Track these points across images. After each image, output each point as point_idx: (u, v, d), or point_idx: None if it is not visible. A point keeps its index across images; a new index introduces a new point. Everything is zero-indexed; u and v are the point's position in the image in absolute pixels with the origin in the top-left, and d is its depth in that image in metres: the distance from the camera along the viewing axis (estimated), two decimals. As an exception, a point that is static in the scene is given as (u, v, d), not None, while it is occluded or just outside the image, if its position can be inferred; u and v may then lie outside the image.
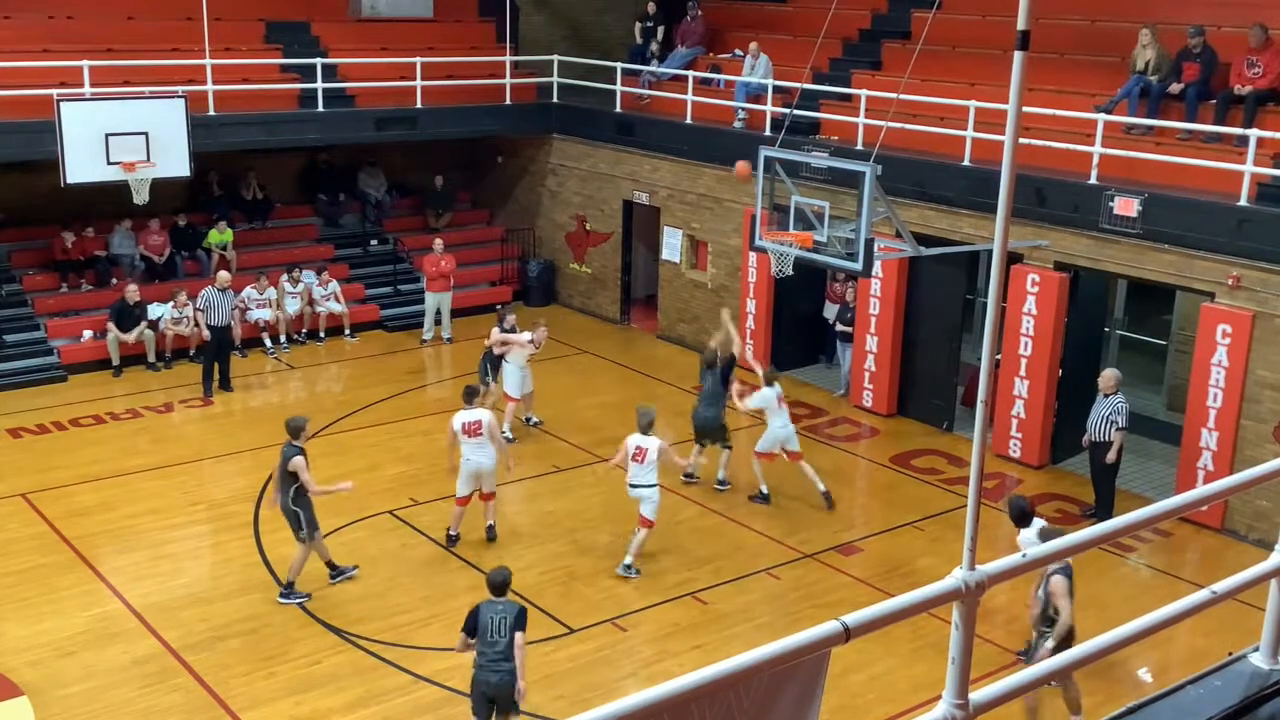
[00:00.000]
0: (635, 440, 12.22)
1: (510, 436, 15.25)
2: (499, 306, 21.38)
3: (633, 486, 12.25)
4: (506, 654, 8.84)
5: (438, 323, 20.07)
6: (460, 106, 20.69)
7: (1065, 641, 9.13)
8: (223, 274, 17.62)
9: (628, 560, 12.22)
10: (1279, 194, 13.20)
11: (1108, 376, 13.46)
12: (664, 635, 11.14)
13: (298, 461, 11.26)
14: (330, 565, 11.88)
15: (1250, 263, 12.93)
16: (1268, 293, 12.84)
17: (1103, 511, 13.42)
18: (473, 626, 8.93)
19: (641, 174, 20.14)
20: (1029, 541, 10.05)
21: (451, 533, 12.78)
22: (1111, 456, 13.25)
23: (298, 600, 11.47)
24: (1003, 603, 11.50)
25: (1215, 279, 13.23)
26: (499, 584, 9.07)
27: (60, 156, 15.94)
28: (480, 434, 12.34)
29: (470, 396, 12.70)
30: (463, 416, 12.43)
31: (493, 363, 15.49)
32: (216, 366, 17.21)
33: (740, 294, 18.61)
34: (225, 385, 17.26)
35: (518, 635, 8.85)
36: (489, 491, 12.74)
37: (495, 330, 15.51)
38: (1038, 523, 10.37)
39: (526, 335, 15.49)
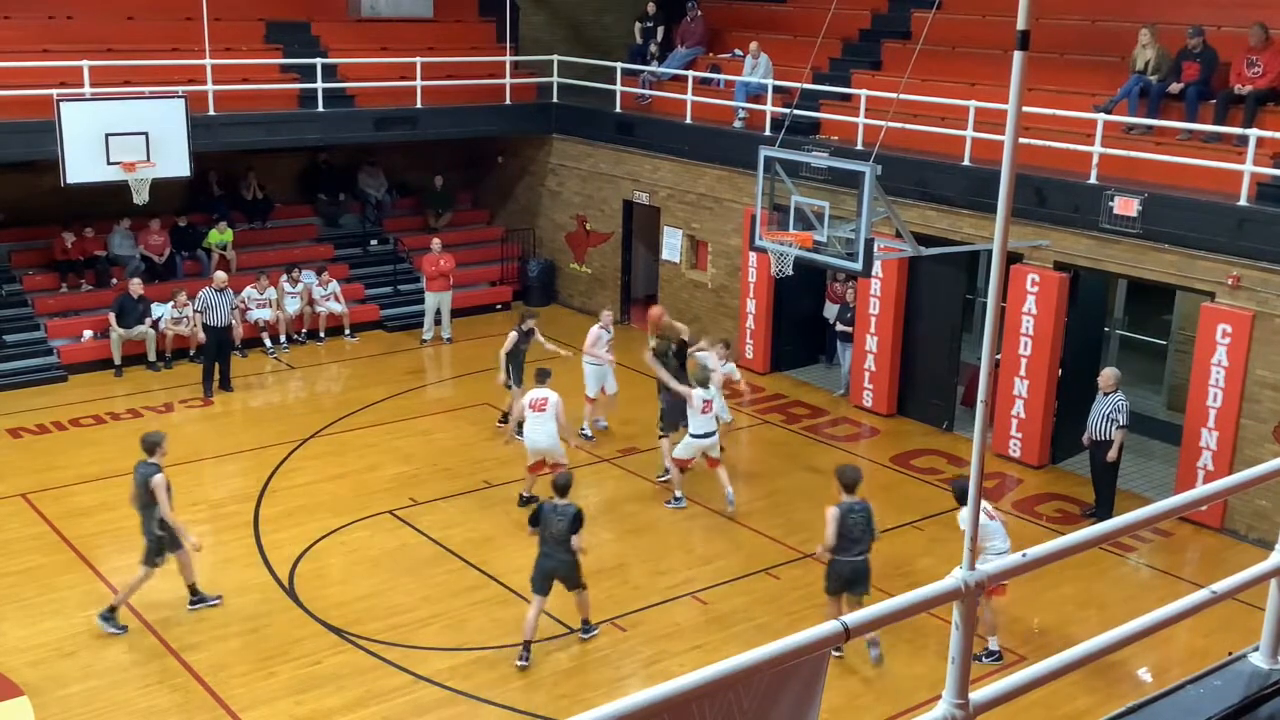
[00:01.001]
0: (700, 394, 13.18)
1: (589, 434, 15.60)
2: (497, 307, 21.42)
3: (702, 436, 13.23)
4: (565, 545, 10.42)
5: (437, 323, 20.06)
6: (460, 106, 20.69)
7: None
8: (219, 274, 17.55)
9: (728, 490, 13.40)
10: (1278, 194, 13.20)
11: (1107, 375, 13.47)
12: (664, 635, 11.14)
13: (157, 481, 10.59)
14: (193, 589, 11.26)
15: (1250, 262, 12.93)
16: (1268, 292, 12.84)
17: (1103, 511, 13.42)
18: (535, 520, 10.68)
19: (642, 174, 20.14)
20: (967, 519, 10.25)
21: (524, 494, 13.40)
22: (1113, 455, 13.26)
23: (115, 629, 10.83)
24: (1003, 603, 11.50)
25: (1215, 279, 13.23)
26: (563, 486, 10.67)
27: (60, 156, 15.94)
28: (544, 410, 12.86)
29: (543, 377, 13.17)
30: (531, 393, 13.08)
31: (516, 364, 15.19)
32: (217, 366, 17.20)
33: (740, 294, 18.62)
34: (225, 385, 17.24)
35: (574, 539, 10.41)
36: (553, 463, 13.08)
37: (513, 334, 15.13)
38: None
39: (596, 330, 15.43)
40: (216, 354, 17.20)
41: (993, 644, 10.77)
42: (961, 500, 10.64)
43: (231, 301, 17.55)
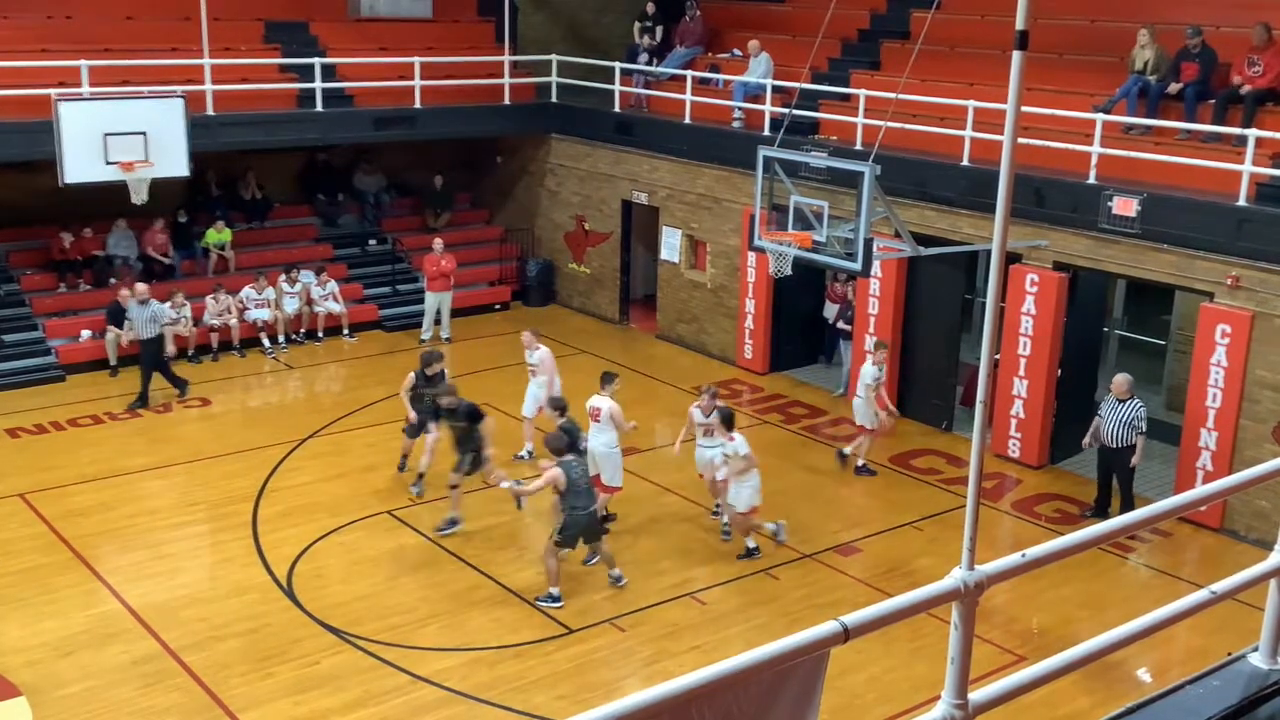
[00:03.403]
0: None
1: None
2: (496, 307, 21.38)
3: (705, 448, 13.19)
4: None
5: (437, 322, 20.05)
6: (459, 106, 20.69)
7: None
8: (139, 285, 16.91)
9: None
10: (1278, 194, 13.19)
11: (1121, 382, 13.24)
12: (663, 635, 11.13)
13: None
14: None
15: (1249, 263, 12.92)
16: (1267, 292, 12.84)
17: (1126, 507, 13.23)
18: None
19: (640, 174, 20.13)
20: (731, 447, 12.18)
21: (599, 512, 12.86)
22: (1136, 460, 13.14)
23: None
24: (1001, 603, 11.51)
25: (1214, 279, 13.23)
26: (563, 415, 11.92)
27: (59, 156, 15.93)
28: (597, 420, 12.71)
29: (607, 381, 12.98)
30: (590, 401, 12.90)
31: (421, 409, 13.79)
32: (161, 376, 16.64)
33: (739, 294, 18.61)
34: (142, 401, 16.44)
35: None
36: (601, 480, 12.66)
37: (411, 376, 13.98)
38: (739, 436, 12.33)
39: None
40: (150, 366, 16.56)
41: (750, 543, 12.50)
42: (727, 425, 12.33)
43: (156, 314, 16.65)
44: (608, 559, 11.97)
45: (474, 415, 12.82)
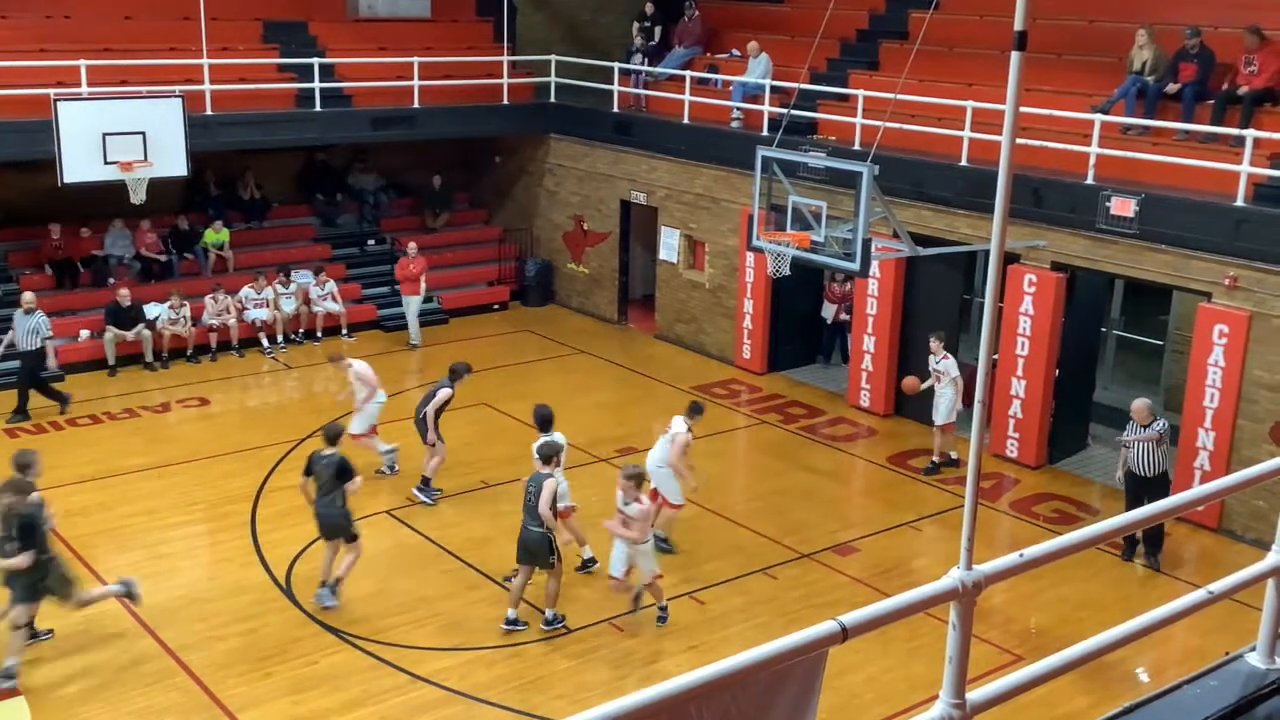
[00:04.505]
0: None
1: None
2: (494, 307, 21.34)
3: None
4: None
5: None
6: (458, 106, 20.70)
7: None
8: (26, 295, 16.14)
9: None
10: (1276, 194, 13.21)
11: (1141, 408, 12.55)
12: (662, 635, 11.14)
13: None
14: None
15: (1247, 263, 12.94)
16: (1264, 293, 12.86)
17: (1154, 546, 12.77)
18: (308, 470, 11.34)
19: (639, 174, 20.13)
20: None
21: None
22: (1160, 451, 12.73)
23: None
24: (1000, 603, 11.52)
25: (1212, 279, 13.24)
26: (332, 436, 11.57)
27: (57, 156, 15.94)
28: (665, 433, 12.45)
29: (693, 412, 12.52)
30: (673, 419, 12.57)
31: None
32: (39, 393, 15.96)
33: (738, 294, 18.62)
34: (22, 412, 15.80)
35: (349, 486, 11.31)
36: (662, 500, 12.44)
37: (446, 390, 13.55)
38: (557, 434, 11.77)
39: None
40: (27, 380, 15.86)
41: (586, 552, 12.12)
42: (540, 426, 11.83)
43: (39, 326, 15.77)
44: (332, 572, 11.37)
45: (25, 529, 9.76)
